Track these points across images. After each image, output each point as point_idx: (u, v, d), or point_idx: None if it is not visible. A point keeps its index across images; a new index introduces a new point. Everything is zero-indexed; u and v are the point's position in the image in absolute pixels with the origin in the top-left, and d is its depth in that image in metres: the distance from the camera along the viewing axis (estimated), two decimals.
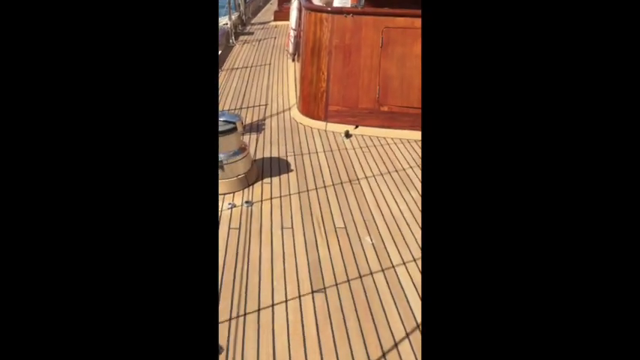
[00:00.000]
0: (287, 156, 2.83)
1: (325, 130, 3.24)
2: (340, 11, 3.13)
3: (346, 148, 2.94)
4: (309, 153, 2.87)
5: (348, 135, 3.12)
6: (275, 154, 2.84)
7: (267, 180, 2.50)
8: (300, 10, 4.13)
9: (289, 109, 3.66)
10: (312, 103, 3.36)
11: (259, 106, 3.75)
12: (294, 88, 4.11)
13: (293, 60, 4.64)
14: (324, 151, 2.90)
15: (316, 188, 2.42)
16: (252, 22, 7.57)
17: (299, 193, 2.37)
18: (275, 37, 6.33)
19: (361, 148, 2.96)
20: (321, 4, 5.34)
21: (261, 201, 2.28)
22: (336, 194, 2.37)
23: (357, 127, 3.24)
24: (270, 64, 5.03)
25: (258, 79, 4.51)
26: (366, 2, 3.15)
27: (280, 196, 2.33)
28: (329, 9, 3.20)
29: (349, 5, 5.79)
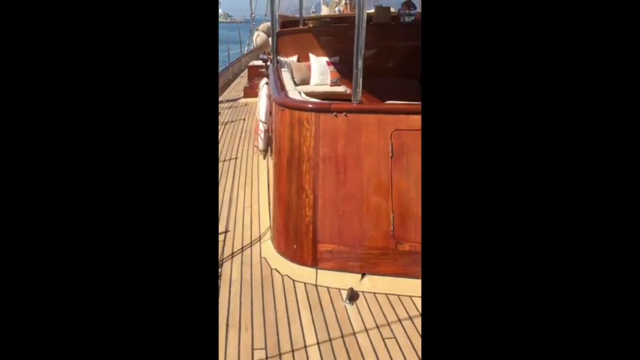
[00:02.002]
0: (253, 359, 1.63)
1: (315, 286, 2.09)
2: (328, 108, 2.14)
3: (354, 332, 1.77)
4: (293, 350, 1.68)
5: (352, 297, 1.98)
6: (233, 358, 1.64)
7: None
8: (271, 99, 3.19)
9: (259, 240, 2.53)
10: (294, 240, 2.24)
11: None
12: (266, 200, 3.03)
13: (265, 157, 3.63)
14: (318, 343, 1.71)
15: None
16: (220, 99, 6.72)
17: None
18: (244, 119, 5.41)
19: (378, 327, 1.80)
20: (295, 80, 4.51)
21: None
22: None
23: (363, 276, 2.11)
24: (237, 157, 4.00)
25: (220, 183, 3.43)
26: (365, 93, 2.19)
27: None
28: (310, 105, 2.20)
29: (329, 83, 5.06)
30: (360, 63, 2.04)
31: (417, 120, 2.05)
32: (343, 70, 4.87)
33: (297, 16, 6.05)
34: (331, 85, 4.81)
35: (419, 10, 5.42)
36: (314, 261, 2.17)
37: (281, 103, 2.34)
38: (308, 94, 3.20)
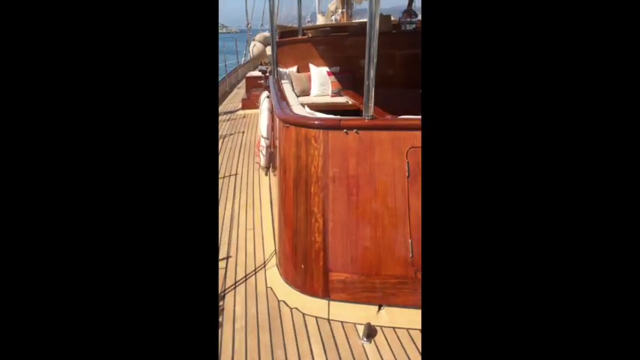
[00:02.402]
0: None
1: (328, 320, 1.91)
2: (337, 125, 1.98)
3: None
4: None
5: (370, 333, 1.80)
6: None
7: None
8: (272, 113, 3.03)
9: (264, 266, 2.35)
10: (302, 268, 2.06)
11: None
12: (269, 221, 2.85)
13: (267, 174, 3.46)
14: None
15: None
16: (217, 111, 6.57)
17: None
18: (243, 132, 5.25)
19: None
20: (295, 92, 4.35)
21: None
22: None
23: (380, 308, 1.93)
24: (237, 173, 3.83)
25: (219, 201, 3.25)
26: (376, 108, 2.02)
27: None
28: (317, 121, 2.04)
29: (329, 93, 4.92)
30: (372, 73, 1.87)
31: None
32: (344, 80, 4.74)
33: (295, 25, 5.93)
34: (332, 96, 4.67)
35: (420, 17, 5.32)
36: (325, 291, 1.99)
37: (285, 119, 2.17)
38: (309, 105, 3.04)
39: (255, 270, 2.30)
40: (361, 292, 1.95)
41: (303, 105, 2.72)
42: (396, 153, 1.92)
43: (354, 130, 1.94)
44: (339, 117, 2.04)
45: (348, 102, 4.44)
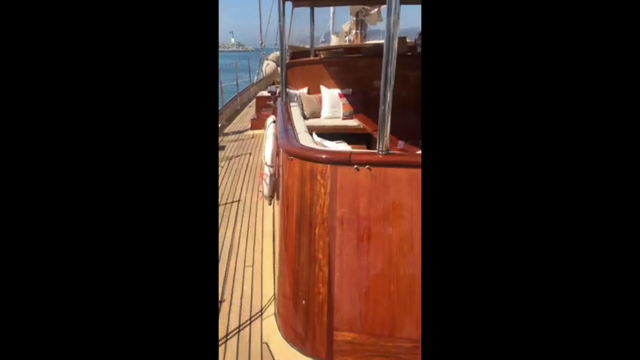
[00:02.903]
0: None
1: None
2: (347, 160, 1.73)
3: None
4: None
5: None
6: None
7: None
8: (277, 141, 2.81)
9: (260, 314, 2.08)
10: (303, 322, 1.79)
11: None
12: (270, 257, 2.59)
13: (270, 203, 3.22)
14: None
15: None
16: (226, 131, 6.42)
17: None
18: (250, 153, 5.06)
19: None
20: (304, 113, 4.16)
21: None
22: None
23: None
24: (239, 200, 3.61)
25: (218, 231, 3.01)
26: (390, 135, 1.77)
27: None
28: (324, 155, 1.79)
29: (340, 116, 4.70)
30: (389, 97, 1.63)
31: None
32: (356, 102, 4.54)
33: (307, 46, 5.80)
34: (343, 119, 4.46)
35: None
36: (329, 354, 1.70)
37: (289, 150, 1.94)
38: (318, 128, 2.83)
39: (250, 319, 2.03)
40: (371, 356, 1.66)
41: (310, 133, 2.50)
42: (414, 192, 1.66)
43: (366, 166, 1.69)
44: (349, 150, 1.80)
45: (359, 125, 4.22)
